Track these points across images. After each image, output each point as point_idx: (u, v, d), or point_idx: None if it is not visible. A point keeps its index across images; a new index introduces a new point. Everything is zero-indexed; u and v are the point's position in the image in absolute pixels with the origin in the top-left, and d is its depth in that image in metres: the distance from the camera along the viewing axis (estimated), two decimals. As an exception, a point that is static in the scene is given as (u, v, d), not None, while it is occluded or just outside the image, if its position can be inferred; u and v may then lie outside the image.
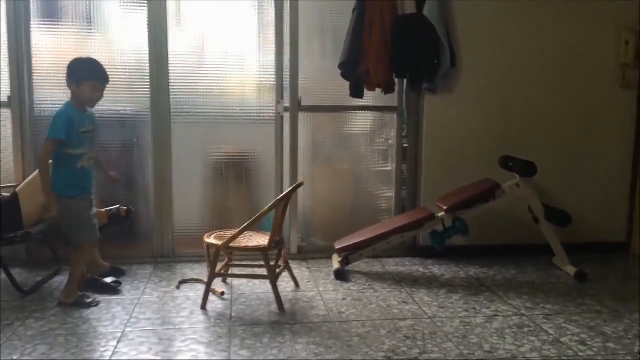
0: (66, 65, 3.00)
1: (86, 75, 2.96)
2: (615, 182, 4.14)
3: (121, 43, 3.77)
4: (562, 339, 2.70)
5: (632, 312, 3.04)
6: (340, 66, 3.79)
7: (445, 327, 2.83)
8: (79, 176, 2.99)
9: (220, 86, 3.91)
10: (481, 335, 2.74)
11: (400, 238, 3.69)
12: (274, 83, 3.94)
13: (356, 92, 3.86)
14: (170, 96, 3.81)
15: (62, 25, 3.72)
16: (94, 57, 3.08)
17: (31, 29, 3.67)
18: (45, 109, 3.72)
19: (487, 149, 3.96)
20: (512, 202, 3.79)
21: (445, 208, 3.63)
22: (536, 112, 4.01)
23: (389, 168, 4.17)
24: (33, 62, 3.69)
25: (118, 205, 3.50)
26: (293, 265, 3.64)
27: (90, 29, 3.74)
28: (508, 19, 3.92)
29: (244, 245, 3.09)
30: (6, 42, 3.60)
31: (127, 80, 3.75)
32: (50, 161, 2.96)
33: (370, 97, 4.02)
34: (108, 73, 3.05)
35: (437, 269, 3.79)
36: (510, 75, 3.98)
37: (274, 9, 3.87)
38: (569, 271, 3.63)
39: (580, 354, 2.55)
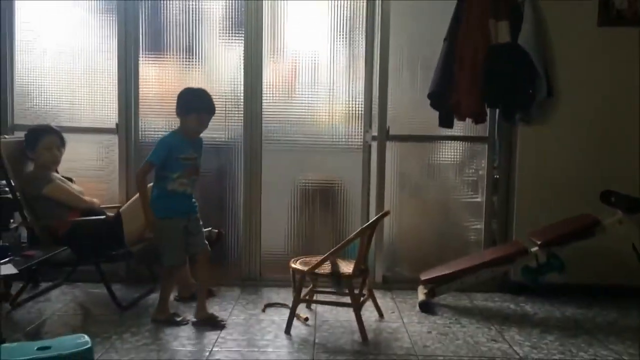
0: (169, 95, 3.21)
1: (194, 106, 3.07)
2: None
3: (218, 74, 3.97)
4: (672, 392, 2.47)
5: None
6: (430, 96, 3.76)
7: (538, 369, 2.68)
8: (170, 198, 3.07)
9: (310, 115, 4.01)
10: (579, 381, 2.56)
11: (490, 272, 3.55)
12: (363, 112, 3.98)
13: (446, 122, 3.81)
14: (262, 124, 3.95)
15: (165, 57, 3.99)
16: (203, 88, 3.21)
17: (139, 61, 3.96)
18: (148, 135, 3.98)
19: (584, 183, 3.75)
20: (614, 239, 3.54)
21: (539, 243, 3.46)
22: (637, 145, 3.76)
23: (479, 199, 4.05)
24: (140, 92, 3.97)
25: (210, 228, 3.64)
26: (377, 294, 3.60)
27: (190, 61, 3.98)
28: (611, 48, 3.74)
29: (329, 271, 3.11)
30: (117, 74, 3.91)
31: (223, 109, 3.94)
32: (151, 184, 3.15)
33: (460, 127, 3.95)
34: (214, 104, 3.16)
35: (529, 307, 3.60)
36: (611, 107, 3.77)
37: (364, 40, 3.94)
38: (680, 317, 3.32)
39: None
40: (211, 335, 2.99)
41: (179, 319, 3.16)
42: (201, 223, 3.23)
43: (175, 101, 3.14)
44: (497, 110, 3.89)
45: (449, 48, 3.72)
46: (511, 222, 3.90)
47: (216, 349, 2.82)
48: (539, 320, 3.36)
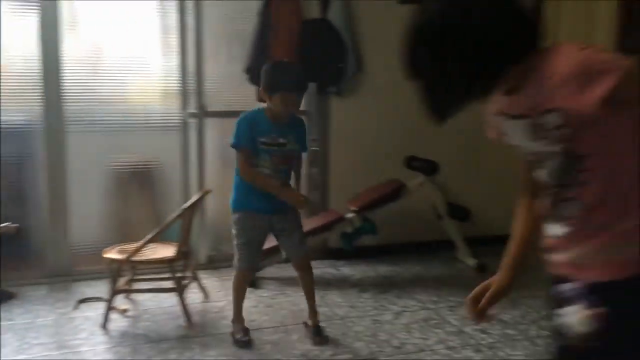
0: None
1: (276, 84, 2.55)
2: (509, 177, 4.37)
3: (8, 47, 3.50)
4: (465, 329, 2.82)
5: (527, 298, 3.22)
6: (247, 71, 3.75)
7: (356, 327, 2.87)
8: (245, 190, 2.66)
9: (121, 92, 3.75)
10: (390, 332, 2.80)
11: (311, 241, 3.69)
12: (179, 88, 3.83)
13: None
14: (65, 104, 3.60)
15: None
16: (290, 62, 2.76)
17: None
18: None
19: (393, 150, 4.06)
20: (418, 200, 3.91)
21: (354, 209, 3.68)
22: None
23: (299, 172, 4.17)
24: None
25: (7, 223, 3.25)
26: (204, 275, 3.55)
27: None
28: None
29: (148, 258, 2.97)
30: None
31: (17, 87, 3.50)
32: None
33: (277, 102, 4.01)
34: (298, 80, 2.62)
35: (347, 270, 3.84)
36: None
37: (177, 12, 3.76)
38: (471, 263, 3.80)
39: (481, 342, 2.67)
40: (14, 343, 2.69)
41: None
42: (298, 223, 2.74)
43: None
44: (312, 84, 4.01)
45: (263, 23, 3.73)
46: (329, 193, 4.09)
47: (21, 357, 2.54)
48: (355, 282, 3.60)
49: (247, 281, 2.84)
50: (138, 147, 3.85)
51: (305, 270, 2.78)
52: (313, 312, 2.79)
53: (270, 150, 2.56)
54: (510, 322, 2.90)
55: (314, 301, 2.80)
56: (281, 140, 2.57)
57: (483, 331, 2.79)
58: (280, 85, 2.52)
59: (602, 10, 3.61)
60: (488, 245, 4.27)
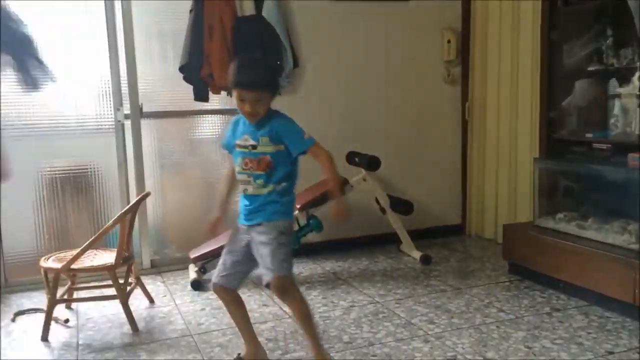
0: None
1: (231, 80, 2.24)
2: (449, 170, 4.51)
3: None
4: (413, 320, 2.87)
5: (471, 287, 3.33)
6: (181, 69, 3.66)
7: (306, 324, 2.86)
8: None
9: (51, 95, 3.58)
10: (340, 327, 2.82)
11: (257, 241, 3.67)
12: (111, 89, 3.69)
13: (200, 96, 3.76)
14: (-10, 108, 3.41)
15: None
16: (252, 56, 2.40)
17: None
18: None
19: (334, 146, 4.00)
20: (361, 195, 3.95)
21: (298, 207, 3.68)
22: (377, 109, 4.23)
23: (241, 171, 4.13)
24: None
25: None
26: (147, 280, 3.46)
27: None
28: (345, 21, 4.09)
29: (87, 265, 2.86)
30: None
31: None
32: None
33: (217, 100, 3.94)
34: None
35: (295, 268, 3.80)
36: (351, 74, 4.15)
37: (104, 11, 3.62)
38: (415, 256, 3.88)
39: (429, 332, 2.73)
40: (-55, 362, 2.53)
41: None
42: (269, 242, 2.23)
43: None
44: (250, 83, 3.97)
45: (196, 20, 3.65)
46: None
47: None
48: (303, 279, 3.60)
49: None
50: (72, 151, 3.69)
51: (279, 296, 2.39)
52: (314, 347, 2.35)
53: (241, 152, 2.27)
54: (457, 312, 2.98)
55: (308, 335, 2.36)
56: (251, 142, 2.24)
57: (431, 322, 2.85)
58: (235, 81, 2.22)
59: (527, 26, 3.76)
60: (431, 237, 4.40)
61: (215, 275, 2.38)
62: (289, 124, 2.30)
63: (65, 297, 3.00)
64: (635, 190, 2.95)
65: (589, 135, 3.37)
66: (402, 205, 3.89)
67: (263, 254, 2.23)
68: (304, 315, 2.32)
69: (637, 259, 2.75)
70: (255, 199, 2.27)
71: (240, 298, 2.45)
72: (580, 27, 3.46)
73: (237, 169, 2.30)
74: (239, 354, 2.47)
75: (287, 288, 2.28)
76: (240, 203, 2.36)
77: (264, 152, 2.24)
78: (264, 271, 2.26)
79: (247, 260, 2.33)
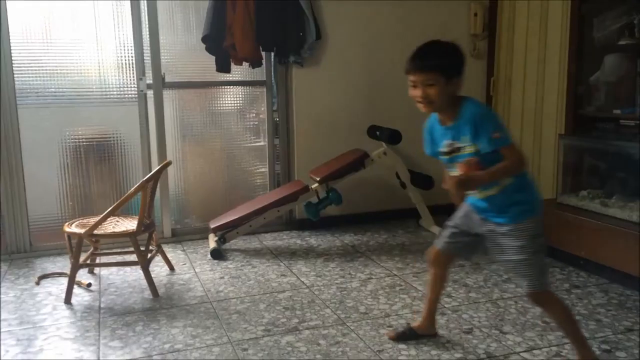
0: None
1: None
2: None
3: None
4: (430, 294, 2.87)
5: (489, 263, 3.31)
6: (204, 39, 3.66)
7: (323, 295, 2.89)
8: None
9: (74, 64, 3.61)
10: (357, 299, 2.83)
11: (276, 212, 3.69)
12: (134, 59, 3.71)
13: (223, 67, 3.76)
14: (15, 76, 3.45)
15: None
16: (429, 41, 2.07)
17: None
18: None
19: (355, 120, 4.06)
20: (382, 169, 3.94)
21: (318, 179, 3.68)
22: (400, 83, 4.13)
23: (262, 143, 4.14)
24: None
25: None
26: (167, 248, 3.52)
27: None
28: (368, -8, 4.02)
29: (109, 231, 2.91)
30: None
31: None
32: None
33: (239, 72, 3.94)
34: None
35: (314, 240, 3.85)
36: (374, 47, 4.09)
37: (128, -21, 3.63)
38: (434, 231, 3.86)
39: (446, 305, 2.73)
40: (-27, 320, 2.61)
41: None
42: (521, 251, 1.99)
43: None
44: (272, 54, 3.96)
45: (220, -10, 3.63)
46: (293, 163, 4.07)
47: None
48: (322, 251, 3.62)
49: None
50: (95, 120, 3.73)
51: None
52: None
53: (448, 159, 2.06)
54: (474, 286, 2.97)
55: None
56: (454, 145, 2.01)
57: (448, 295, 2.85)
58: (405, 66, 2.03)
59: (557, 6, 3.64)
60: (450, 213, 4.36)
61: (439, 239, 2.29)
62: (479, 116, 1.93)
63: (88, 262, 3.06)
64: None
65: (616, 111, 3.29)
66: (422, 180, 3.86)
67: (513, 260, 2.00)
68: (565, 322, 2.10)
69: (662, 237, 2.70)
70: (490, 202, 2.03)
71: (446, 276, 2.38)
72: (611, 0, 3.35)
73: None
74: (409, 323, 2.47)
75: (546, 300, 2.08)
76: (470, 199, 2.13)
77: (469, 152, 1.96)
78: (519, 280, 2.05)
79: (474, 244, 2.19)
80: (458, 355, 2.25)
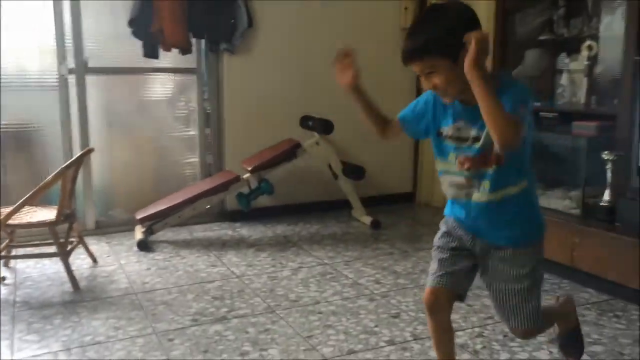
0: None
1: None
2: (403, 137, 4.52)
3: None
4: (360, 281, 2.90)
5: (418, 250, 3.37)
6: (130, 23, 3.53)
7: (253, 284, 2.85)
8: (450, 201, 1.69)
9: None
10: (287, 287, 2.82)
11: (206, 202, 3.61)
12: (55, 43, 3.52)
13: (150, 52, 3.63)
14: None
15: None
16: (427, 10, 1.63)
17: None
18: None
19: (288, 110, 4.03)
20: (314, 160, 3.94)
21: (249, 169, 3.63)
22: (332, 73, 4.16)
23: (193, 133, 4.04)
24: None
25: None
26: (91, 240, 3.37)
27: None
28: (301, -19, 4.00)
29: (26, 221, 2.75)
30: None
31: None
32: None
33: (168, 59, 3.81)
34: None
35: (245, 231, 3.80)
36: (307, 36, 4.07)
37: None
38: (365, 221, 3.90)
39: (375, 291, 2.76)
40: None
41: None
42: (520, 281, 1.61)
43: None
44: (203, 41, 3.87)
45: (147, -27, 3.51)
46: (224, 154, 4.00)
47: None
48: (253, 242, 3.58)
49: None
50: (12, 107, 3.52)
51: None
52: None
53: (453, 147, 1.60)
54: (403, 273, 3.02)
55: None
56: (472, 133, 1.54)
57: (377, 282, 2.88)
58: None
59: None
60: (382, 203, 4.44)
61: (429, 280, 1.71)
62: (512, 89, 1.44)
63: (3, 254, 2.88)
64: (579, 158, 3.04)
65: (536, 104, 3.43)
66: (354, 171, 3.89)
67: (508, 291, 1.62)
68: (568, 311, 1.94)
69: (577, 223, 2.84)
70: (486, 214, 1.58)
71: (450, 324, 1.74)
72: (533, -4, 3.50)
73: (443, 166, 1.62)
74: None
75: (540, 330, 1.80)
76: (453, 205, 1.67)
77: (479, 147, 1.51)
78: (509, 314, 1.65)
79: (468, 271, 1.69)
80: (385, 339, 2.28)
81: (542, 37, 3.42)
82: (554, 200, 3.09)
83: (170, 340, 2.26)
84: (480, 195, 1.56)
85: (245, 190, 3.67)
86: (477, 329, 2.36)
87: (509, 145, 1.37)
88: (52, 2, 3.46)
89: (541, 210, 1.67)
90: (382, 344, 2.24)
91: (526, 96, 1.45)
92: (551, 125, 3.30)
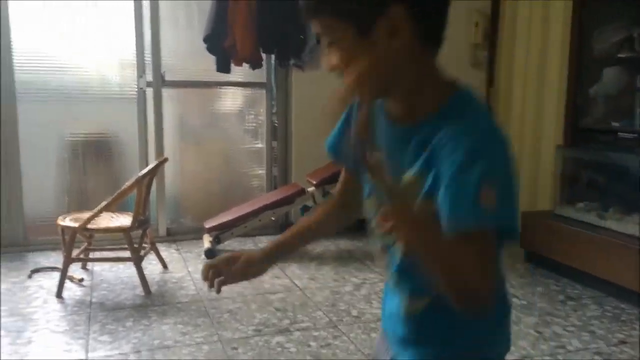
0: None
1: None
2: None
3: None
4: (423, 300, 2.86)
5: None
6: (205, 39, 3.67)
7: (316, 297, 2.87)
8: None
9: (74, 62, 3.62)
10: (350, 302, 2.82)
11: (272, 214, 3.68)
12: (135, 57, 3.71)
13: (223, 67, 3.76)
14: (15, 73, 3.45)
15: None
16: None
17: None
18: None
19: (354, 125, 4.04)
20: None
21: (314, 183, 3.67)
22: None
23: (260, 146, 4.14)
24: None
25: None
26: (162, 247, 3.50)
27: None
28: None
29: (103, 226, 2.90)
30: None
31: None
32: None
33: (240, 73, 3.94)
34: None
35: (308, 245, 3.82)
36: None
37: (131, -22, 3.65)
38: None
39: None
40: (-38, 311, 2.60)
41: None
42: None
43: None
44: (273, 56, 3.96)
45: (222, -9, 3.64)
46: (290, 167, 4.06)
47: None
48: (316, 255, 3.60)
49: None
50: (94, 117, 3.74)
51: None
52: None
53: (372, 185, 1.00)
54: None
55: None
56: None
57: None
58: None
59: (558, 10, 3.66)
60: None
61: None
62: (464, 139, 0.85)
63: (81, 256, 3.05)
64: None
65: (615, 124, 3.29)
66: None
67: None
68: None
69: (657, 250, 2.69)
70: (412, 323, 0.99)
71: None
72: (611, 12, 3.36)
73: (368, 206, 1.02)
74: None
75: None
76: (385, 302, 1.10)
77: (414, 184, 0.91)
78: None
79: None
80: None
81: (621, 55, 3.28)
82: (631, 226, 2.94)
83: (234, 348, 2.31)
84: (410, 303, 0.98)
85: (310, 203, 3.71)
86: (546, 357, 2.28)
87: (474, 301, 0.82)
88: (133, 19, 3.66)
89: (505, 326, 1.05)
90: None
91: (491, 157, 0.84)
92: (631, 146, 3.16)
